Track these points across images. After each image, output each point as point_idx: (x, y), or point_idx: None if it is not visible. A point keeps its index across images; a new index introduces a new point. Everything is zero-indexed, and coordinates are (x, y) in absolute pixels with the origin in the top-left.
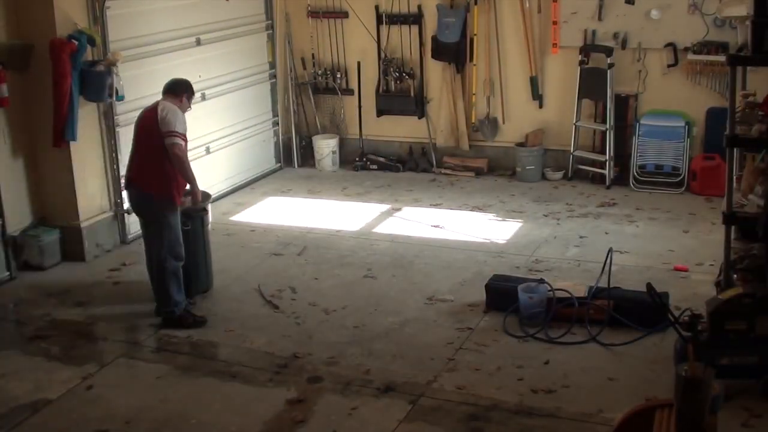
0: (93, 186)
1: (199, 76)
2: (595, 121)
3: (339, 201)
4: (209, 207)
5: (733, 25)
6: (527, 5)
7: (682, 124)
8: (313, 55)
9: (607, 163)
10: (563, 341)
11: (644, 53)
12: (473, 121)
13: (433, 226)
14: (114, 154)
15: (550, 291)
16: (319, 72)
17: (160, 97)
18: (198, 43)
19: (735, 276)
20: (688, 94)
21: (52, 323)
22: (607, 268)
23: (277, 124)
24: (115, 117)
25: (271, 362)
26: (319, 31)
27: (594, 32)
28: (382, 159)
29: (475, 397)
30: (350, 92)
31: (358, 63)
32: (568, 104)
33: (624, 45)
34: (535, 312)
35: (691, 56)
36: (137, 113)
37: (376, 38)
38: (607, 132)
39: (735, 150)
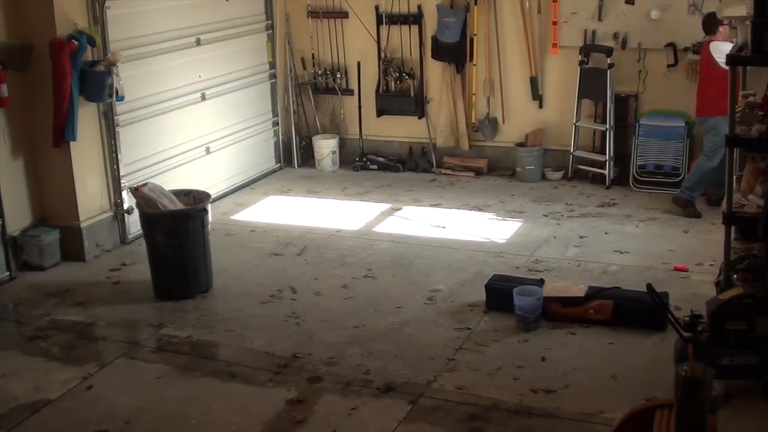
0: (93, 186)
1: (199, 76)
2: (595, 121)
3: (339, 201)
4: (209, 207)
5: (733, 25)
6: (527, 5)
7: (682, 124)
8: (313, 55)
9: (607, 163)
10: (563, 341)
11: (644, 53)
12: (473, 121)
13: (436, 227)
14: (114, 154)
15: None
16: (319, 72)
17: (160, 96)
18: (198, 43)
19: (735, 276)
20: (688, 94)
21: (52, 323)
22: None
23: (277, 124)
24: (115, 117)
25: (271, 362)
26: (319, 31)
27: (594, 32)
28: (382, 159)
29: (475, 397)
30: (350, 92)
31: (358, 63)
32: (568, 104)
33: (624, 45)
34: (531, 315)
35: (691, 56)
36: (137, 113)
37: (376, 38)
38: (607, 132)
39: (735, 150)
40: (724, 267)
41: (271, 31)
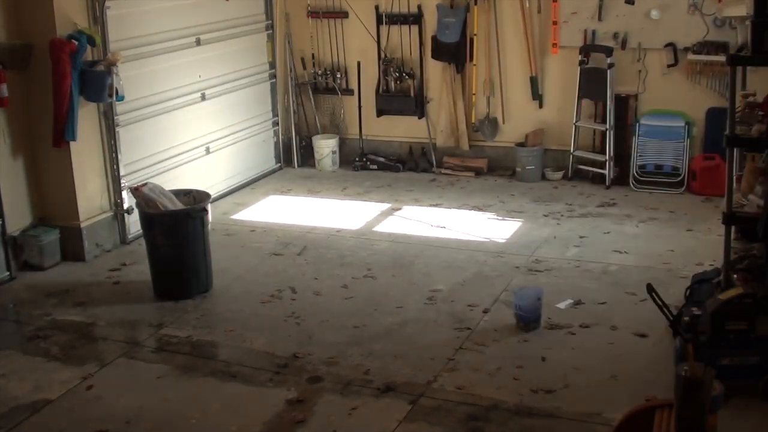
0: (93, 186)
1: (199, 76)
2: (595, 121)
3: (339, 201)
4: (209, 207)
5: (733, 25)
6: (527, 5)
7: (682, 124)
8: (313, 55)
9: (607, 163)
10: (563, 341)
11: (644, 53)
12: (473, 121)
13: (436, 227)
14: (114, 154)
15: None
16: (319, 72)
17: (160, 96)
18: (198, 43)
19: (735, 276)
20: (688, 94)
21: (52, 323)
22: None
23: (277, 124)
24: (115, 117)
25: (271, 362)
26: (319, 31)
27: (594, 32)
28: (382, 159)
29: (475, 397)
30: (350, 92)
31: (358, 63)
32: (568, 104)
33: (624, 45)
34: (531, 315)
35: (691, 56)
36: (137, 113)
37: (376, 38)
38: (607, 132)
39: (735, 150)
40: (724, 267)
41: (271, 31)
